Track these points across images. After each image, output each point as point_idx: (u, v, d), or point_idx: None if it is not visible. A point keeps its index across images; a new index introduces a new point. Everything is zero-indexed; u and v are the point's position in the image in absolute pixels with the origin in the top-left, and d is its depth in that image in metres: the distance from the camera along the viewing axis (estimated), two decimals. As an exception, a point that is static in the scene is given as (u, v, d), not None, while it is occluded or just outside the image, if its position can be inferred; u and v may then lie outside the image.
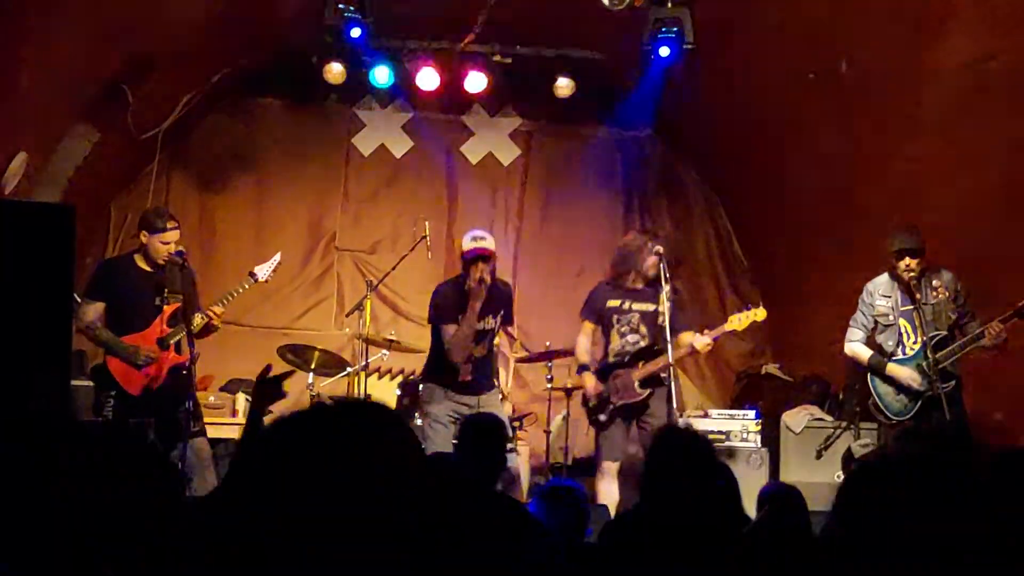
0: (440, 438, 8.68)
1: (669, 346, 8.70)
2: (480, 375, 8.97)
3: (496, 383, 9.51)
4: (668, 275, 8.85)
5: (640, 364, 9.05)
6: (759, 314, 9.11)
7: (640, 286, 9.14)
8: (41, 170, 9.77)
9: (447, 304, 8.86)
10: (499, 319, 9.04)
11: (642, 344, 9.10)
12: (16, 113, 8.90)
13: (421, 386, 9.49)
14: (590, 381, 9.21)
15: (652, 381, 9.03)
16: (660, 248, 8.98)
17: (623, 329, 9.16)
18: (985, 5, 8.22)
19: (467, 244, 8.80)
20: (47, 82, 8.88)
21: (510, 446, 8.20)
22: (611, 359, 9.21)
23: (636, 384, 9.02)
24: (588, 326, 9.38)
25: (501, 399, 9.80)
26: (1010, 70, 8.40)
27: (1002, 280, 8.78)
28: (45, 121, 9.37)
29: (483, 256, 8.66)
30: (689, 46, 9.67)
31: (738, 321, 9.14)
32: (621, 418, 9.09)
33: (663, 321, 8.85)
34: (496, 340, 10.57)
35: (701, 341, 9.02)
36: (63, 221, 5.89)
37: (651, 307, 9.07)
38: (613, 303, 9.18)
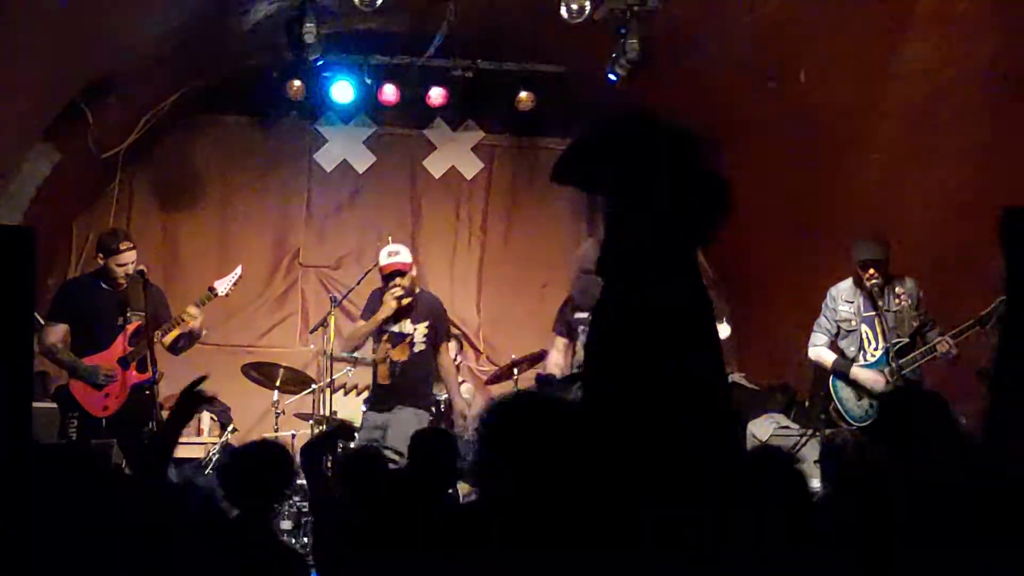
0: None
1: None
2: (401, 383, 9.15)
3: (423, 406, 9.46)
4: None
5: None
6: (723, 331, 8.95)
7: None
8: (2, 191, 9.72)
9: (370, 308, 9.40)
10: (429, 330, 9.28)
11: None
12: (-26, 135, 8.86)
13: None
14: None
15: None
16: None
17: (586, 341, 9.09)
18: (944, 11, 8.27)
19: (383, 260, 9.30)
20: (6, 103, 8.83)
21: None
22: (574, 370, 9.16)
23: None
24: (560, 341, 9.25)
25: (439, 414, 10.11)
26: (969, 76, 8.45)
27: (965, 287, 8.83)
28: (5, 142, 9.32)
29: (399, 271, 9.20)
30: (645, 58, 9.67)
31: None
32: None
33: None
34: (449, 359, 10.70)
35: None
36: (24, 244, 5.83)
37: None
38: (580, 315, 9.10)
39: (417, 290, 9.51)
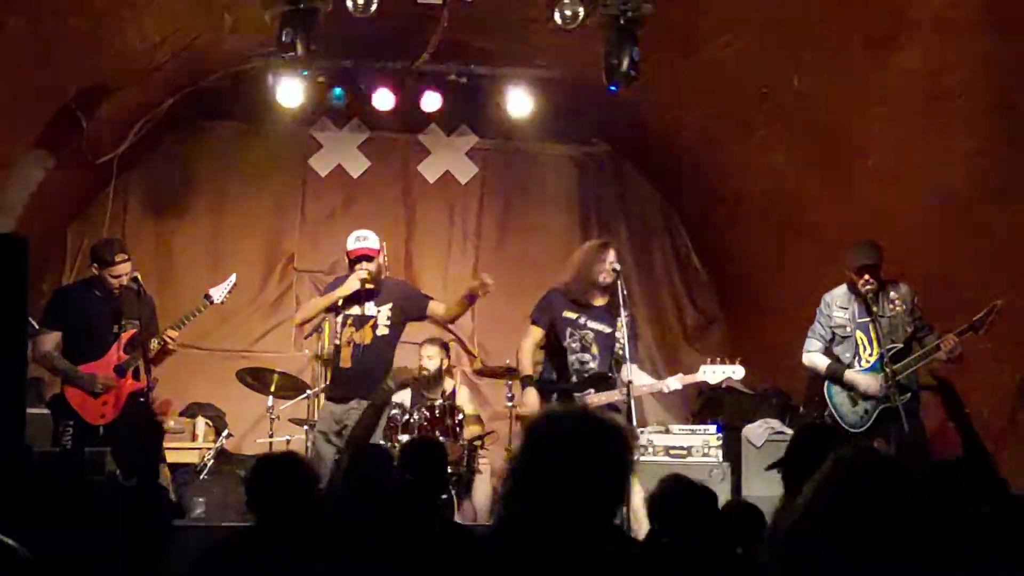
0: (323, 452, 8.99)
1: (629, 371, 8.57)
2: (361, 367, 9.07)
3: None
4: (625, 293, 8.75)
5: (591, 391, 8.79)
6: (737, 373, 8.95)
7: (599, 303, 8.94)
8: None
9: (333, 288, 9.44)
10: (392, 312, 9.24)
11: (592, 367, 8.84)
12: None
13: None
14: (533, 398, 8.90)
15: (608, 408, 8.85)
16: (617, 266, 8.90)
17: (574, 344, 8.91)
18: (936, 19, 8.28)
19: (351, 244, 9.32)
20: (-1, 109, 8.84)
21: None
22: (554, 374, 9.09)
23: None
24: (537, 331, 9.13)
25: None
26: (961, 83, 8.46)
27: (959, 293, 8.85)
28: (-2, 148, 9.34)
29: (366, 256, 9.21)
30: (639, 63, 9.65)
31: (711, 375, 8.98)
32: None
33: (620, 349, 8.74)
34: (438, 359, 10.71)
35: (673, 386, 8.92)
36: (16, 252, 5.82)
37: (607, 329, 8.85)
38: (569, 314, 8.98)
39: (384, 276, 9.46)
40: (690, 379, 8.98)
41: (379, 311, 9.22)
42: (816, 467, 3.78)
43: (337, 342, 9.29)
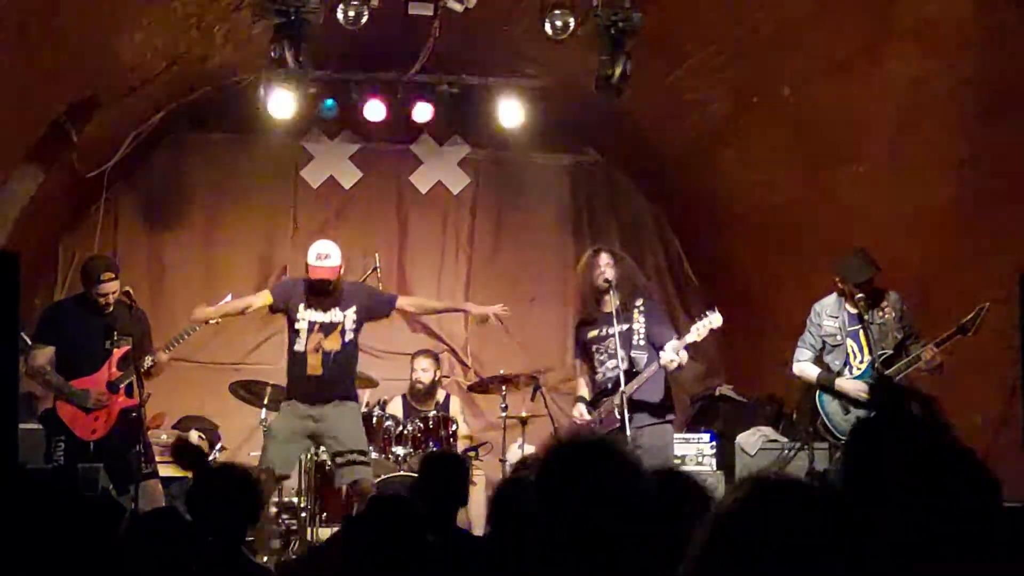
0: (271, 445, 9.07)
1: (655, 360, 8.68)
2: (336, 373, 9.10)
3: (354, 397, 9.48)
4: (616, 300, 8.78)
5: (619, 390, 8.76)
6: (715, 320, 8.98)
7: (612, 307, 8.89)
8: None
9: (282, 291, 9.50)
10: (357, 314, 9.16)
11: (621, 367, 8.79)
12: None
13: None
14: (578, 410, 9.12)
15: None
16: (610, 272, 8.91)
17: (601, 357, 9.00)
18: (923, 25, 8.30)
19: (312, 260, 9.16)
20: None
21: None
22: (595, 391, 9.15)
23: (616, 412, 8.75)
24: (583, 367, 9.33)
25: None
26: (949, 89, 8.48)
27: (947, 299, 8.86)
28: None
29: (325, 282, 9.12)
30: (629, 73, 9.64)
31: (697, 332, 9.01)
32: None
33: (639, 340, 8.82)
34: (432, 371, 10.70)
35: (666, 358, 8.80)
36: (7, 268, 5.82)
37: (624, 326, 8.89)
38: (592, 334, 9.11)
39: (342, 285, 9.34)
40: (679, 343, 8.92)
41: (344, 315, 9.18)
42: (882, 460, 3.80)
43: (299, 348, 9.16)
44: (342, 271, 9.29)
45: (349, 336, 9.15)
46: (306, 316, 9.13)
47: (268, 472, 8.87)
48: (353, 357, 9.30)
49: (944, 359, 8.22)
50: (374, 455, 9.79)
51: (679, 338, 8.89)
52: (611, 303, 8.92)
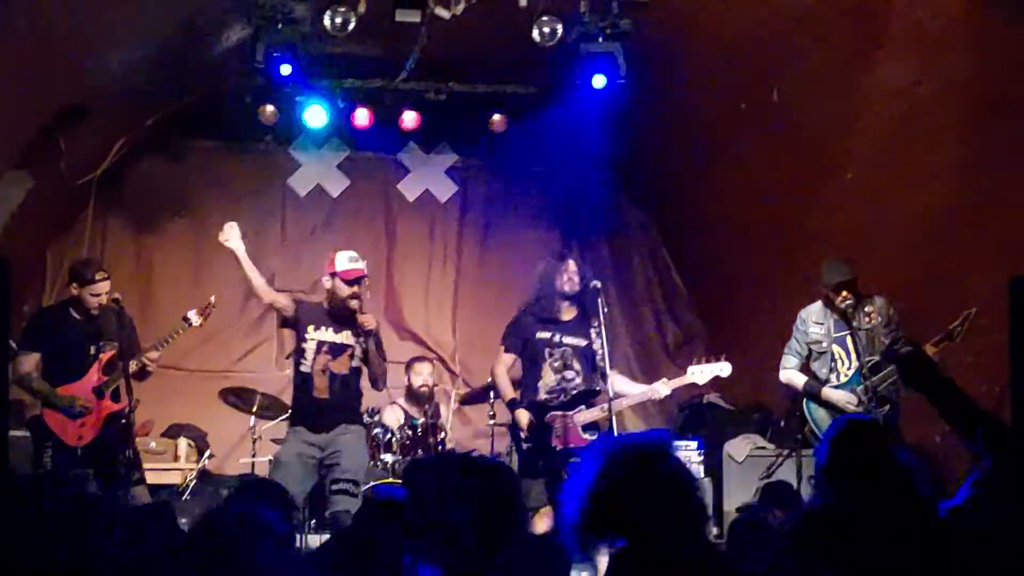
0: (279, 476, 8.55)
1: (609, 386, 8.55)
2: (342, 397, 8.82)
3: (360, 423, 9.21)
4: (606, 311, 8.76)
5: (581, 408, 8.80)
6: (724, 369, 9.03)
7: (568, 317, 8.92)
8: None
9: (303, 306, 9.01)
10: (362, 343, 8.84)
11: (578, 383, 8.83)
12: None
13: None
14: (525, 417, 8.88)
15: (595, 425, 8.85)
16: (598, 283, 8.90)
17: (556, 364, 8.90)
18: (914, 31, 8.32)
19: (344, 265, 8.78)
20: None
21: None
22: (543, 395, 8.97)
23: (580, 429, 8.75)
24: (508, 357, 9.17)
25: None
26: (939, 95, 8.51)
27: (937, 305, 8.88)
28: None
29: (360, 279, 8.75)
30: (621, 80, 9.68)
31: (699, 375, 8.99)
32: (559, 461, 8.73)
33: (601, 360, 8.70)
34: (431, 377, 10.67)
35: (661, 392, 8.94)
36: (-4, 274, 5.80)
37: (582, 342, 8.84)
38: (543, 335, 8.98)
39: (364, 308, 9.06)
40: (677, 382, 9.01)
41: (356, 342, 8.86)
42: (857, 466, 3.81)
43: (306, 369, 8.81)
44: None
45: (356, 362, 8.85)
46: (315, 336, 8.78)
47: None
48: (357, 383, 8.97)
49: (942, 358, 8.23)
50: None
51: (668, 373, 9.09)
52: (570, 313, 8.94)
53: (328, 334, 8.82)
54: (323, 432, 8.69)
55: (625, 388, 9.01)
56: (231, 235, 8.86)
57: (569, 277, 8.91)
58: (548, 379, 8.95)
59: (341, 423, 8.72)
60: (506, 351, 9.19)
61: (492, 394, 10.79)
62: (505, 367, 9.21)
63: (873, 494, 3.96)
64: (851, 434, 4.44)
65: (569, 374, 8.90)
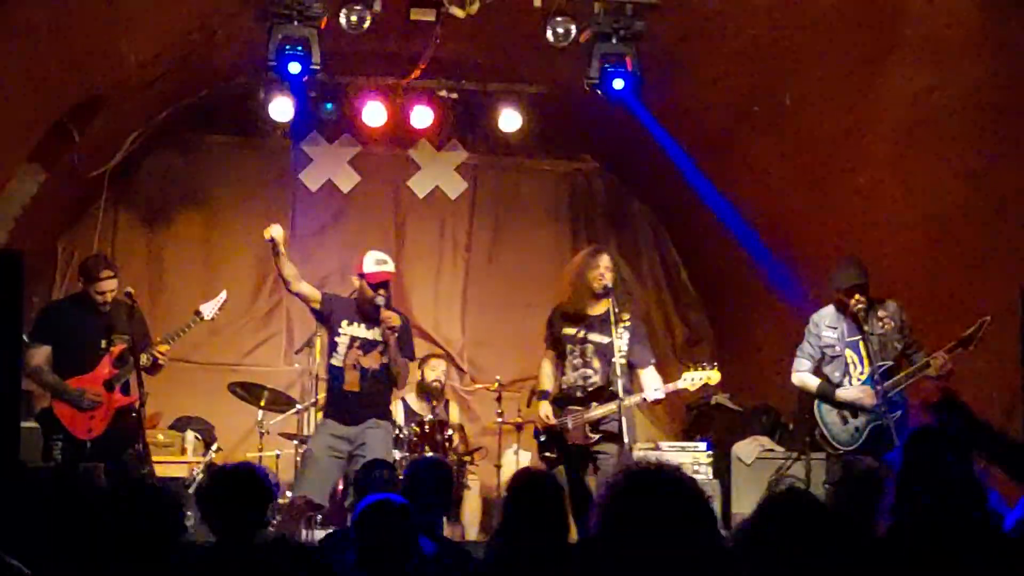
0: (311, 471, 8.86)
1: (620, 387, 8.58)
2: (373, 391, 8.96)
3: (389, 418, 9.30)
4: (617, 310, 8.74)
5: (593, 404, 8.78)
6: (713, 378, 8.92)
7: (596, 313, 8.85)
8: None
9: (339, 305, 9.14)
10: (396, 341, 8.96)
11: (595, 381, 8.82)
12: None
13: None
14: (545, 410, 8.94)
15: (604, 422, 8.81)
16: (609, 275, 8.86)
17: (575, 361, 8.91)
18: (929, 37, 8.31)
19: (371, 267, 8.95)
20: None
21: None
22: (564, 388, 9.03)
23: (587, 428, 8.74)
24: (549, 353, 9.20)
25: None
26: (953, 100, 8.50)
27: (948, 311, 8.88)
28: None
29: (386, 282, 8.96)
30: (634, 81, 9.67)
31: (691, 381, 8.91)
32: (572, 456, 8.75)
33: (621, 358, 8.70)
34: (443, 374, 10.67)
35: (654, 395, 8.93)
36: (11, 267, 5.83)
37: (606, 339, 8.75)
38: (568, 331, 8.97)
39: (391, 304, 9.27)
40: (670, 387, 8.97)
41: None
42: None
43: (337, 363, 8.99)
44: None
45: (387, 359, 8.99)
46: (348, 331, 8.95)
47: (304, 501, 8.87)
48: (389, 378, 9.09)
49: (953, 367, 8.23)
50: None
51: (659, 372, 9.07)
52: (599, 308, 8.86)
53: (360, 330, 8.97)
54: (352, 425, 8.85)
55: (646, 385, 8.97)
56: (275, 231, 9.00)
57: (601, 273, 8.84)
58: (569, 376, 8.97)
59: (371, 417, 8.88)
60: (546, 348, 9.25)
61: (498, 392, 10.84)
62: (549, 363, 9.21)
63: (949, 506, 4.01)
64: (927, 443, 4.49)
65: (587, 371, 8.88)
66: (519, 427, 10.79)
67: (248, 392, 10.67)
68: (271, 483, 5.56)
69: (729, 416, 11.70)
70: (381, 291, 8.83)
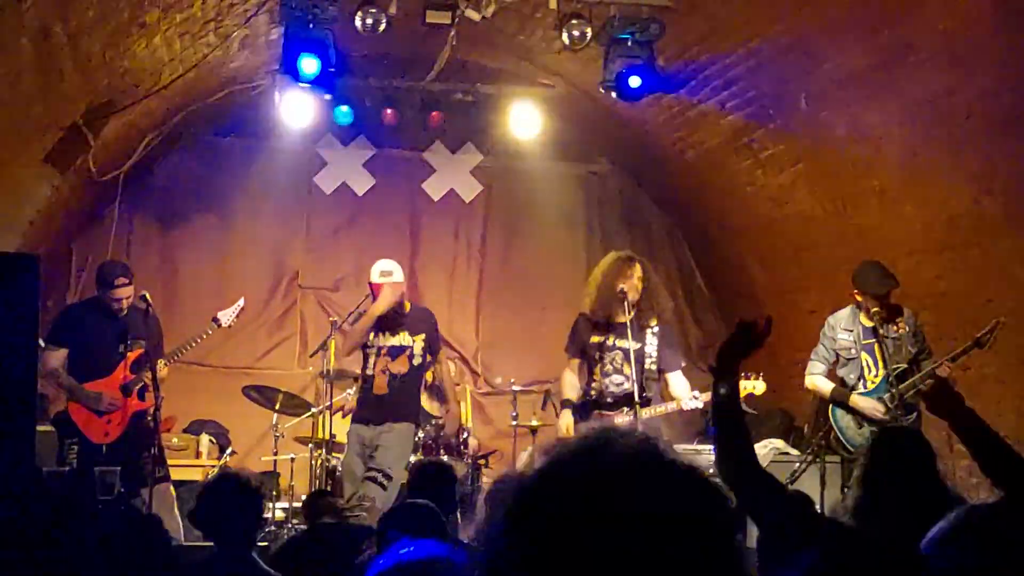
0: (345, 479, 9.34)
1: (654, 392, 8.65)
2: (399, 395, 9.26)
3: (414, 420, 9.53)
4: (631, 313, 8.70)
5: (624, 410, 8.71)
6: (758, 388, 8.85)
7: (623, 320, 8.72)
8: (1, 214, 9.72)
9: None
10: (424, 342, 9.37)
11: (626, 387, 8.72)
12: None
13: None
14: (566, 420, 8.87)
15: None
16: (639, 290, 8.80)
17: (607, 368, 8.84)
18: (945, 40, 8.28)
19: (376, 278, 9.40)
20: (6, 127, 8.84)
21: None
22: (592, 395, 8.97)
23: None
24: (573, 362, 9.14)
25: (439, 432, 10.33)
26: (966, 105, 8.47)
27: (962, 314, 8.85)
28: (4, 166, 9.32)
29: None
30: (648, 83, 9.65)
31: (696, 400, 8.91)
32: None
33: (652, 364, 8.73)
34: (447, 368, 10.71)
35: (691, 404, 8.83)
36: (28, 270, 5.85)
37: (636, 345, 8.71)
38: (596, 339, 8.91)
39: (408, 306, 9.59)
40: (708, 396, 8.90)
41: (414, 341, 9.37)
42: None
43: (369, 371, 9.37)
44: (404, 289, 9.57)
45: (418, 360, 9.39)
46: (376, 342, 9.36)
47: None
48: (418, 381, 9.56)
49: (958, 375, 8.22)
50: None
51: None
52: (627, 316, 8.74)
53: (386, 338, 9.34)
54: (374, 425, 9.22)
55: (676, 393, 8.93)
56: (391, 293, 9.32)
57: (634, 283, 8.80)
58: (597, 383, 8.93)
59: (389, 420, 9.18)
60: (570, 357, 9.20)
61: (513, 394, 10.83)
62: (572, 372, 9.17)
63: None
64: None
65: (619, 378, 8.83)
66: (534, 431, 10.76)
67: (263, 395, 10.67)
68: (257, 485, 5.54)
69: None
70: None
